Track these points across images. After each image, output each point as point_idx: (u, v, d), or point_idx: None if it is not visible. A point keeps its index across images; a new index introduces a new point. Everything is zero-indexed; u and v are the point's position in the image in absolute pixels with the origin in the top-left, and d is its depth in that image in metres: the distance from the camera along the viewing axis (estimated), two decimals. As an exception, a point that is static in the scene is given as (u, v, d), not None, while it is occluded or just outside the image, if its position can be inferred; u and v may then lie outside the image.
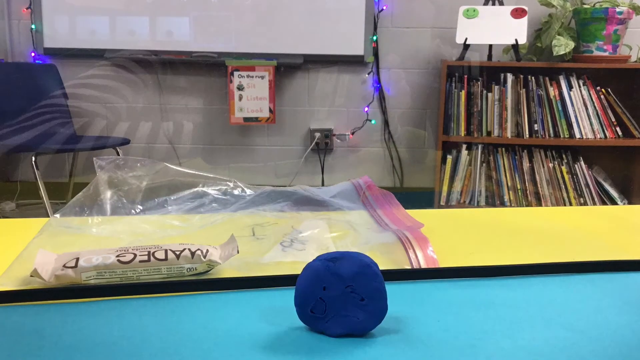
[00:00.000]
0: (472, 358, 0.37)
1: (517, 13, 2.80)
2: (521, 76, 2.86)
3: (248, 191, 0.68)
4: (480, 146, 2.92)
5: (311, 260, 0.40)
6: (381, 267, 0.53)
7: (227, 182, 0.68)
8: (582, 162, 2.90)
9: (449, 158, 2.94)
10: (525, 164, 2.91)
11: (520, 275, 0.51)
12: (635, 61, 2.94)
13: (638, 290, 0.48)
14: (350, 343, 0.39)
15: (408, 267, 0.54)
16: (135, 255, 0.49)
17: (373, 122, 3.16)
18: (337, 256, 0.40)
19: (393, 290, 0.48)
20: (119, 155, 2.62)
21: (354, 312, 0.40)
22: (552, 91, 2.85)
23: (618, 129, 2.85)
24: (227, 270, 0.52)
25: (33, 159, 2.36)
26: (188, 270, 0.50)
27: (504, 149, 2.93)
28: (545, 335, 0.40)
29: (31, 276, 0.47)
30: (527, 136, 2.86)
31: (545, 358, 0.37)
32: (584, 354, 0.38)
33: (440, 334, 0.40)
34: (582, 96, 2.84)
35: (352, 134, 3.17)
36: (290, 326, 0.41)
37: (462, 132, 2.88)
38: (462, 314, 0.43)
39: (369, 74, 3.11)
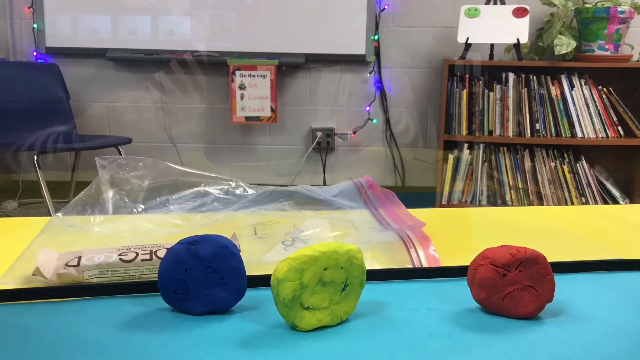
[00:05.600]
0: (472, 357, 0.37)
1: (519, 12, 2.80)
2: (523, 75, 2.86)
3: (250, 190, 0.68)
4: (481, 145, 2.91)
5: (174, 245, 0.42)
6: (383, 266, 0.53)
7: (229, 182, 0.68)
8: (584, 162, 2.90)
9: (451, 157, 2.94)
10: (527, 163, 2.91)
11: (521, 274, 0.51)
12: (637, 60, 2.93)
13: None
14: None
15: (410, 266, 0.54)
16: (137, 254, 0.49)
17: (375, 121, 3.16)
18: (197, 239, 0.42)
19: (395, 289, 0.48)
20: (120, 154, 2.62)
21: (215, 290, 0.42)
22: (554, 90, 2.84)
23: (620, 128, 2.84)
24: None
25: (35, 157, 2.36)
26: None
27: (505, 148, 2.93)
28: (545, 333, 0.40)
29: (33, 275, 0.47)
30: (529, 135, 2.85)
31: (545, 356, 0.37)
32: (584, 352, 0.38)
33: (442, 333, 0.40)
34: (583, 95, 2.84)
35: (354, 133, 3.17)
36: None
37: (464, 132, 2.88)
38: (464, 313, 0.43)
39: (370, 73, 3.11)
